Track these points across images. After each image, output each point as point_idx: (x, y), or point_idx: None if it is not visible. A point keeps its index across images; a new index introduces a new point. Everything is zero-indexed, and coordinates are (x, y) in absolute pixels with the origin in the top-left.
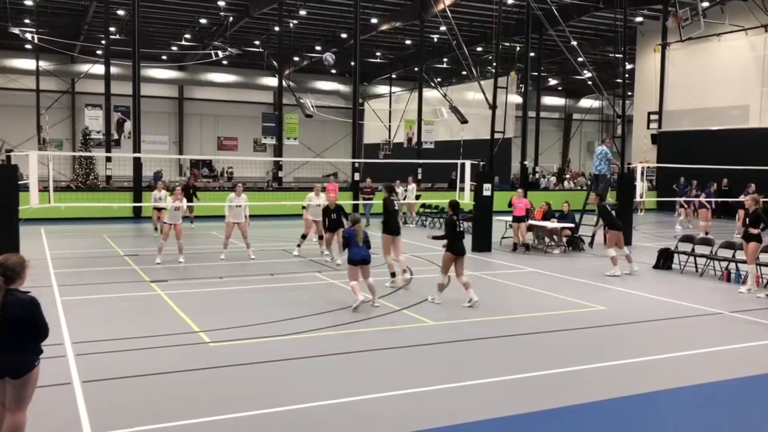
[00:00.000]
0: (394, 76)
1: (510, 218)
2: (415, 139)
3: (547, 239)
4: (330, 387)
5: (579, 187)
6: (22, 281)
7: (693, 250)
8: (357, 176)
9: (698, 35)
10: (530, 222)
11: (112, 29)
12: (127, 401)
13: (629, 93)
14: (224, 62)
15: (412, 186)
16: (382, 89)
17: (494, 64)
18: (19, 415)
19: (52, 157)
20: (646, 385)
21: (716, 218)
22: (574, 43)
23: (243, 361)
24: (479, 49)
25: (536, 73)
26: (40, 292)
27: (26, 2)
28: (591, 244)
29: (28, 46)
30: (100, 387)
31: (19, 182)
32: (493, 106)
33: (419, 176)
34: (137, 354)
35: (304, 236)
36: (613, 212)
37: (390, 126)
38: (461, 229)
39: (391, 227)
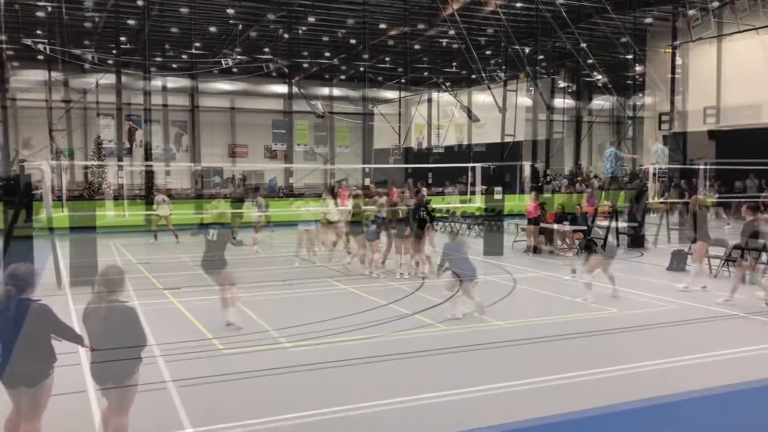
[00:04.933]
0: (403, 81)
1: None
2: (425, 144)
3: (559, 242)
4: (340, 394)
5: (591, 190)
6: (32, 290)
7: (706, 252)
8: (368, 181)
9: (708, 35)
10: (541, 225)
11: (122, 39)
12: (141, 409)
13: (640, 94)
14: (234, 70)
15: (423, 191)
16: (392, 94)
17: (504, 67)
18: (33, 424)
19: (65, 167)
20: (662, 390)
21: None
22: (584, 45)
23: (256, 368)
24: (488, 52)
25: (546, 76)
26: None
27: (38, 14)
28: (604, 246)
29: (40, 57)
30: None
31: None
32: (503, 110)
33: (429, 180)
34: (150, 362)
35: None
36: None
37: (400, 128)
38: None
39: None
